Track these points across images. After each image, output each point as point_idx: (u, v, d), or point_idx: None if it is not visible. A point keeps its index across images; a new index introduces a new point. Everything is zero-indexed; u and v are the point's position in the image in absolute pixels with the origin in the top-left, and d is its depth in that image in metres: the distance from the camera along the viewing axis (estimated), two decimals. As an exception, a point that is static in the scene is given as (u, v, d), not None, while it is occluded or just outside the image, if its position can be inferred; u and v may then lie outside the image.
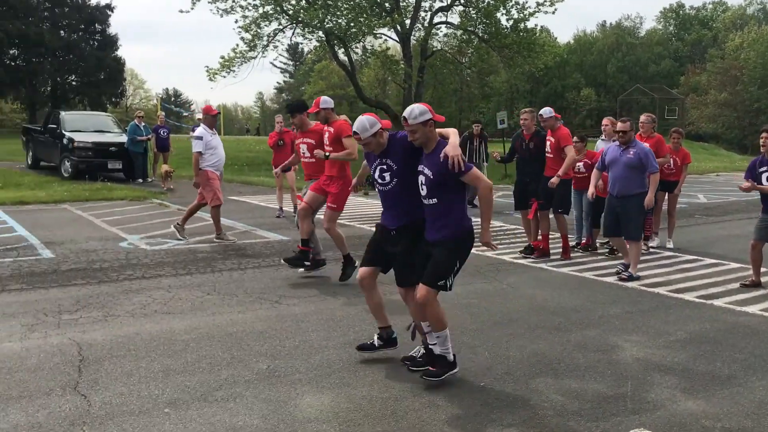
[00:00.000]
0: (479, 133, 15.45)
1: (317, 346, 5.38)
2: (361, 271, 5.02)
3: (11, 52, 50.47)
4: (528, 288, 7.55)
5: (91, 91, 53.34)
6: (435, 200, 4.56)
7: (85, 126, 19.09)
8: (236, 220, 11.95)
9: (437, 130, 4.63)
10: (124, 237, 10.08)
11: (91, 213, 12.47)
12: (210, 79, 26.64)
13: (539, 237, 9.25)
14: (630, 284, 7.75)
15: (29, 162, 20.93)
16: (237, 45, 27.34)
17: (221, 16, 26.42)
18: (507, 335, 5.80)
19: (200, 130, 9.78)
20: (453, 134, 4.62)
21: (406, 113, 4.51)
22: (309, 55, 39.99)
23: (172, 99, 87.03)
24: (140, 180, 18.10)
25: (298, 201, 8.29)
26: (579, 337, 5.80)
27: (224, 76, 26.94)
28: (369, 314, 6.28)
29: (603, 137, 10.26)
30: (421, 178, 4.59)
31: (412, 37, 31.36)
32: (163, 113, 21.18)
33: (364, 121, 4.72)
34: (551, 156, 8.99)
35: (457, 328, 5.94)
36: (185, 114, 74.18)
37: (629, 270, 7.99)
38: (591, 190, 8.50)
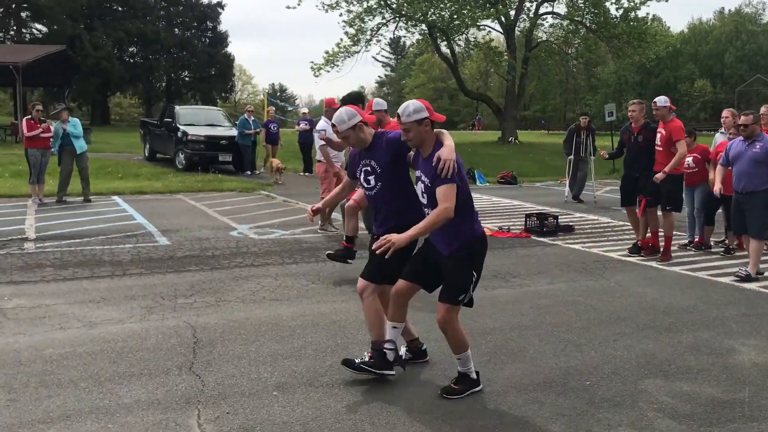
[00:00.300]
0: (587, 125, 15.03)
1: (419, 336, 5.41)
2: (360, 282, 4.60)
3: (130, 50, 53.49)
4: (637, 286, 7.29)
5: (203, 86, 55.73)
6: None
7: (198, 120, 19.97)
8: (338, 212, 12.16)
9: (436, 131, 4.19)
10: (234, 226, 10.50)
11: (203, 203, 13.05)
12: (314, 75, 27.30)
13: (648, 235, 8.91)
14: (748, 285, 7.35)
15: (146, 154, 22.12)
16: (341, 40, 27.87)
17: (326, 11, 27.06)
18: (614, 334, 5.63)
19: (322, 122, 9.89)
20: (447, 137, 4.16)
21: (399, 110, 4.15)
22: (411, 49, 40.13)
23: (278, 94, 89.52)
24: (248, 172, 18.77)
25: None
26: (691, 338, 5.56)
27: (328, 71, 27.54)
28: (463, 312, 6.28)
29: (722, 130, 9.73)
30: (420, 186, 4.20)
31: (516, 28, 30.86)
32: (273, 108, 21.83)
33: (342, 112, 4.40)
34: (661, 149, 8.61)
35: (562, 325, 5.83)
36: (290, 108, 76.27)
37: (747, 269, 7.57)
38: (717, 186, 8.07)
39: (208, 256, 8.34)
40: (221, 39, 56.86)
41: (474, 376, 4.38)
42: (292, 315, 5.99)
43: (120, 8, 51.95)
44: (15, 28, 50.69)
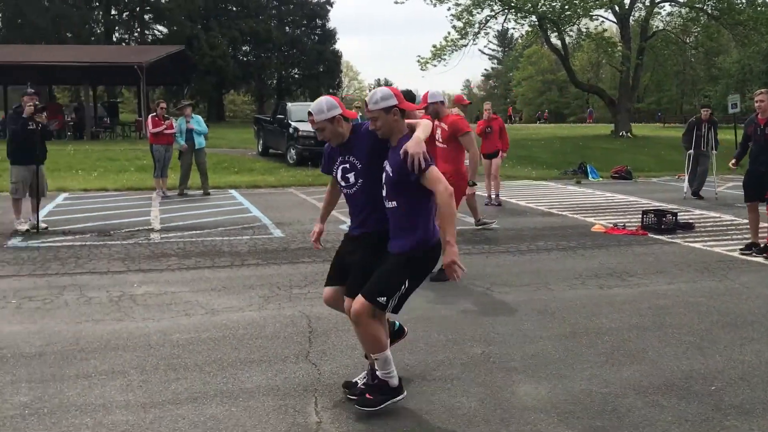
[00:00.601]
0: (708, 118, 14.26)
1: (532, 336, 5.33)
2: (325, 291, 4.36)
3: (244, 48, 55.47)
4: (765, 288, 6.87)
5: (311, 82, 57.07)
6: (394, 203, 3.84)
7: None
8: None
9: (411, 121, 3.92)
10: (343, 219, 10.67)
11: (314, 197, 13.38)
12: (421, 69, 27.35)
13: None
14: None
15: (259, 149, 22.90)
16: (448, 33, 27.78)
17: (434, 5, 27.01)
18: (741, 338, 5.33)
19: None
20: (422, 127, 3.84)
21: (367, 98, 3.90)
22: (519, 41, 39.43)
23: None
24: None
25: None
26: (829, 346, 5.18)
27: (435, 65, 27.48)
28: (579, 311, 6.14)
29: None
30: (383, 176, 3.91)
31: (631, 17, 29.68)
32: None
33: (323, 102, 4.01)
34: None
35: (684, 327, 5.59)
36: (396, 103, 76.58)
37: None
38: None
39: (319, 248, 8.52)
40: (330, 36, 58.01)
41: (395, 383, 3.97)
42: (405, 309, 6.02)
43: (234, 8, 54.06)
44: (138, 29, 53.78)
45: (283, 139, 20.14)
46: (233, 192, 14.16)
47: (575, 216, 11.45)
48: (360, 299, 3.83)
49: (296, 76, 58.76)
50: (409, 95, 7.60)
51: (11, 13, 46.93)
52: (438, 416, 3.91)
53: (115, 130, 32.11)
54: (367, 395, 3.94)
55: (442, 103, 7.20)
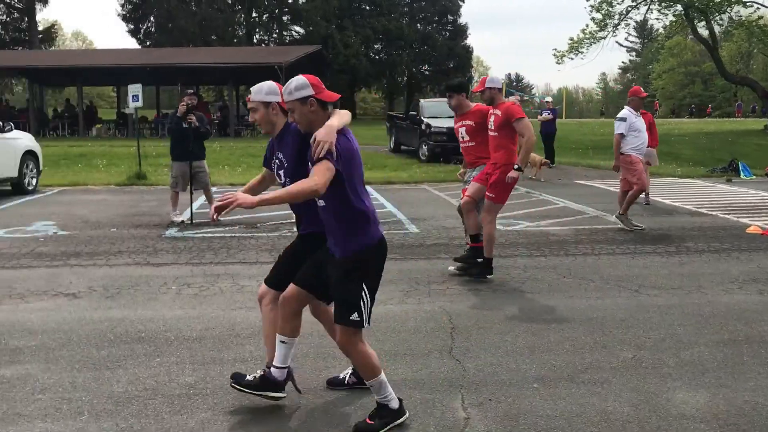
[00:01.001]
0: None
1: (686, 342, 5.06)
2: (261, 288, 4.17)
3: (376, 46, 56.41)
4: None
5: (442, 78, 57.03)
6: (322, 202, 3.58)
7: (441, 112, 20.46)
8: (585, 205, 11.80)
9: (341, 111, 3.60)
10: (479, 216, 10.63)
11: (447, 193, 13.40)
12: (557, 62, 26.68)
13: None
14: None
15: (391, 146, 23.22)
16: (586, 26, 26.88)
17: (570, -3, 26.14)
18: None
19: (625, 111, 9.59)
20: (337, 115, 3.52)
21: (283, 88, 3.62)
22: (661, 31, 37.45)
23: (514, 84, 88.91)
24: (492, 163, 18.87)
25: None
26: None
27: (572, 58, 26.68)
28: (738, 317, 5.77)
29: None
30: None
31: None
32: (519, 97, 21.76)
33: (265, 84, 3.91)
34: None
35: None
36: (526, 98, 75.40)
37: None
38: None
39: (456, 245, 8.54)
40: (461, 31, 57.84)
41: (395, 405, 3.71)
42: (545, 308, 5.93)
43: (368, 7, 55.11)
44: (277, 31, 56.06)
45: (415, 135, 20.31)
46: (368, 188, 14.41)
47: (727, 216, 10.76)
48: (338, 327, 3.64)
49: (426, 72, 59.04)
50: (462, 86, 7.26)
51: (163, 18, 50.33)
52: (590, 420, 3.80)
53: (255, 128, 33.64)
54: (367, 420, 3.71)
55: (500, 90, 7.02)
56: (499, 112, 6.77)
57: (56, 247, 8.37)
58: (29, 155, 13.32)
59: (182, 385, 4.28)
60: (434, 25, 57.77)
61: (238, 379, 4.00)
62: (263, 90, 3.90)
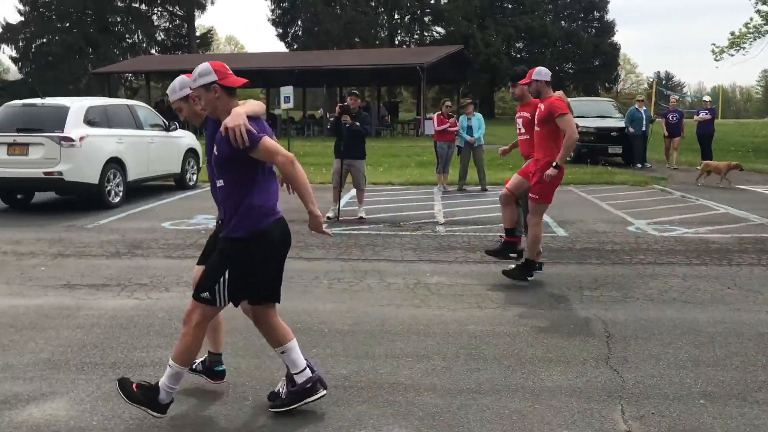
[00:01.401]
0: None
1: None
2: (195, 270, 4.16)
3: (517, 45, 55.56)
4: None
5: (586, 77, 55.40)
6: (221, 182, 3.66)
7: (588, 112, 19.85)
8: (748, 212, 10.96)
9: (251, 101, 3.67)
10: (630, 221, 10.17)
11: (594, 196, 12.93)
12: (715, 59, 25.01)
13: None
14: None
15: (534, 146, 22.73)
16: (750, 19, 24.95)
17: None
18: None
19: None
20: (247, 104, 3.59)
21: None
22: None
23: (663, 82, 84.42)
24: (639, 165, 18.07)
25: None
26: None
27: (732, 54, 24.89)
28: None
29: None
30: (212, 159, 3.71)
31: None
32: (677, 97, 20.67)
33: (175, 82, 3.91)
34: None
35: None
36: (677, 97, 71.44)
37: None
38: None
39: (607, 250, 8.21)
40: (607, 28, 55.73)
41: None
42: (709, 320, 5.55)
43: (510, 6, 54.38)
44: (418, 31, 56.59)
45: (559, 135, 19.76)
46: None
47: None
48: (192, 302, 3.69)
49: (570, 71, 57.40)
50: (524, 75, 6.81)
51: (310, 22, 52.30)
52: (767, 444, 3.52)
53: (395, 128, 34.17)
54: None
55: (547, 83, 6.62)
56: (543, 107, 6.53)
57: (216, 240, 8.90)
58: (191, 153, 14.26)
59: (337, 377, 4.40)
60: (579, 22, 56.02)
61: (273, 398, 3.97)
62: (176, 88, 3.97)
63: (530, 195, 6.62)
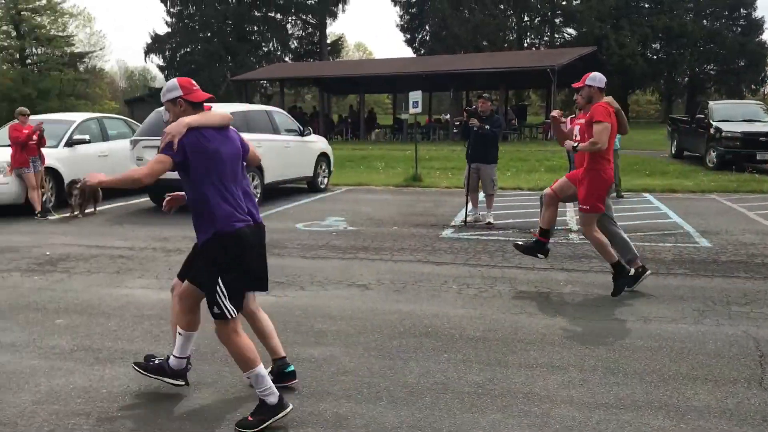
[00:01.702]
0: None
1: None
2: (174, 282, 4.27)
3: (654, 46, 53.00)
4: None
5: (729, 78, 52.05)
6: (185, 193, 3.88)
7: (734, 115, 18.62)
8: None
9: (211, 112, 3.84)
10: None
11: (741, 204, 12.10)
12: None
13: None
14: None
15: (672, 151, 21.62)
16: None
17: None
18: None
19: None
20: (200, 115, 3.75)
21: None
22: None
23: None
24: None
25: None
26: None
27: None
28: None
29: None
30: None
31: None
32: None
33: (168, 83, 3.90)
34: None
35: None
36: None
37: None
38: None
39: (757, 263, 7.66)
40: (755, 26, 51.93)
41: (273, 400, 3.74)
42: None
43: (647, 5, 52.00)
44: (548, 33, 55.34)
45: (702, 140, 18.66)
46: (648, 196, 13.57)
47: None
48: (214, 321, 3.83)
49: (711, 72, 54.06)
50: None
51: (438, 27, 52.45)
52: None
53: (522, 132, 33.59)
54: (249, 417, 3.77)
55: (600, 89, 6.33)
56: (590, 113, 6.32)
57: (347, 241, 9.11)
58: (322, 157, 14.69)
59: (470, 383, 4.37)
60: (723, 20, 52.60)
61: (145, 362, 4.24)
62: (165, 90, 3.95)
63: (581, 207, 6.53)
